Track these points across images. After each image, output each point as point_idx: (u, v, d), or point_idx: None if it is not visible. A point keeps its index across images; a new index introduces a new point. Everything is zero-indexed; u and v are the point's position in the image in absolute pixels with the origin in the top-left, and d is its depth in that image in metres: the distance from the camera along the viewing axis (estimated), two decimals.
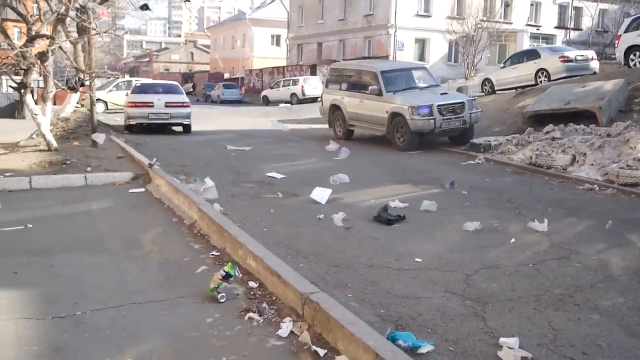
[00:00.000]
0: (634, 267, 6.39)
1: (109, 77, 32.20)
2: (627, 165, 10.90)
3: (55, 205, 9.36)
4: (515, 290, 5.67)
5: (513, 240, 7.35)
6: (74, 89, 16.22)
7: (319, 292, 5.02)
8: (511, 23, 42.85)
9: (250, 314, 5.05)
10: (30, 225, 7.96)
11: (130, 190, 10.38)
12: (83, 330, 4.75)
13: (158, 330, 4.78)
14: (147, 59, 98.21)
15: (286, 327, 4.78)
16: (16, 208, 8.94)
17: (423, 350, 4.37)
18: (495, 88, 24.09)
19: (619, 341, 4.59)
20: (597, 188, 10.64)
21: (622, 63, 19.66)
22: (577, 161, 12.09)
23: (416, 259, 6.56)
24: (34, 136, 14.56)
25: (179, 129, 20.37)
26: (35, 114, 13.62)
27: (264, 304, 5.23)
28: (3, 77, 32.99)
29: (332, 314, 4.60)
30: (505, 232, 7.80)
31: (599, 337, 4.65)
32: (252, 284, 5.75)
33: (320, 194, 9.20)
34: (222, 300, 5.28)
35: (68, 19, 15.77)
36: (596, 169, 11.50)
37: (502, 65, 25.64)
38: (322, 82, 22.29)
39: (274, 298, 5.40)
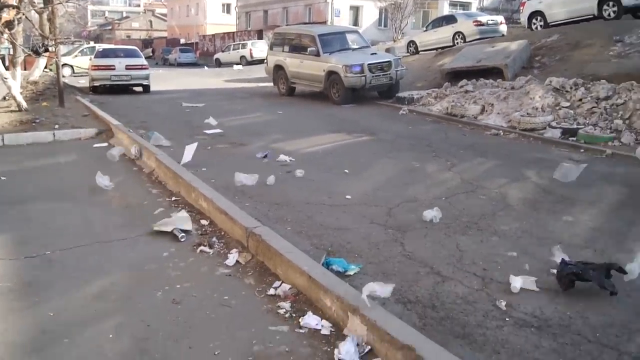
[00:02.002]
0: (529, 198, 6.61)
1: (74, 44, 30.96)
2: (527, 114, 11.15)
3: (27, 159, 9.07)
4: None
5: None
6: (38, 54, 15.58)
7: (261, 226, 5.06)
8: None
9: (202, 248, 5.07)
10: (4, 178, 7.73)
11: (95, 145, 10.12)
12: (52, 267, 4.70)
13: (120, 264, 4.76)
14: (110, 27, 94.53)
15: (233, 257, 4.83)
16: None
17: (351, 272, 4.48)
18: (419, 49, 24.06)
19: (512, 258, 4.78)
20: (502, 133, 10.86)
21: (526, 26, 19.85)
22: (486, 110, 12.29)
23: (347, 196, 6.64)
24: (6, 97, 13.98)
25: (139, 89, 19.79)
26: (6, 78, 13.05)
27: (214, 239, 5.25)
28: None
29: (272, 245, 4.65)
30: (423, 172, 7.93)
31: (497, 256, 4.83)
32: (203, 222, 5.75)
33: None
34: (182, 240, 5.26)
35: None
36: (502, 117, 11.72)
37: (424, 29, 25.62)
38: (268, 46, 21.91)
39: (222, 233, 5.42)
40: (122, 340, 3.55)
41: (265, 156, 8.73)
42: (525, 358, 3.34)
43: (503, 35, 21.97)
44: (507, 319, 3.77)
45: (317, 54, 15.78)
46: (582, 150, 9.28)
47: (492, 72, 14.85)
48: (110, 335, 3.60)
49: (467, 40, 21.82)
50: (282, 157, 8.54)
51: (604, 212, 6.14)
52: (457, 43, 22.07)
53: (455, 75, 15.64)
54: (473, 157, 8.83)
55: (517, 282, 4.19)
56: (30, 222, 5.88)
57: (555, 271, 4.32)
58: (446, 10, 39.50)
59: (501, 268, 4.57)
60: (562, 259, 4.32)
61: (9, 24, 13.57)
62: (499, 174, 7.76)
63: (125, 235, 5.44)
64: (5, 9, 14.42)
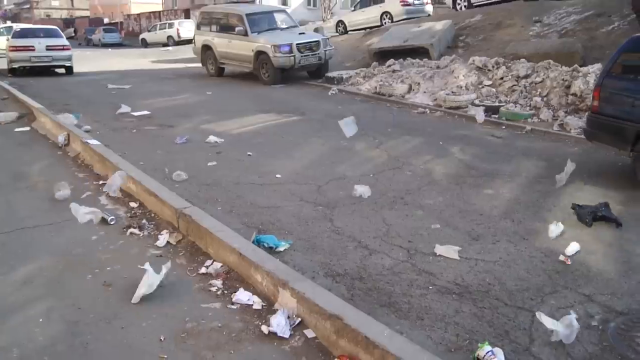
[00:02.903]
0: (452, 173, 6.88)
1: None
2: (452, 92, 11.52)
3: None
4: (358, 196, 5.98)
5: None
6: None
7: (191, 207, 5.09)
8: None
9: (132, 230, 5.05)
10: None
11: (16, 129, 9.75)
12: None
13: (47, 249, 4.69)
14: (28, 6, 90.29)
15: (163, 238, 4.85)
16: None
17: (281, 248, 4.59)
18: (348, 29, 24.28)
19: (436, 230, 5.02)
20: (429, 111, 11.18)
21: (451, 7, 20.36)
22: (413, 90, 12.60)
23: (277, 176, 6.73)
24: None
25: (62, 70, 19.15)
26: None
27: (144, 221, 5.24)
28: None
29: (202, 224, 4.70)
30: (352, 150, 8.10)
31: (421, 228, 5.05)
32: (132, 204, 5.72)
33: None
34: (112, 223, 5.22)
35: None
36: (428, 95, 12.05)
37: (352, 9, 25.83)
38: (195, 26, 21.58)
39: (152, 215, 5.41)
40: (53, 324, 3.53)
41: (185, 141, 8.54)
42: (447, 322, 3.54)
43: (429, 15, 22.41)
44: (430, 287, 3.98)
45: (245, 34, 15.69)
46: (503, 127, 9.68)
47: (418, 52, 15.19)
48: (41, 320, 3.58)
49: (395, 20, 22.16)
50: (212, 137, 8.51)
51: (522, 185, 6.47)
52: (385, 23, 22.39)
53: (383, 55, 15.89)
54: (400, 135, 9.07)
55: (440, 250, 4.43)
56: None
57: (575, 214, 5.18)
58: None
59: (425, 240, 4.79)
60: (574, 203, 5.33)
61: None
62: (425, 150, 8.03)
63: (51, 220, 5.34)
64: None
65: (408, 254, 4.52)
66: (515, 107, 10.44)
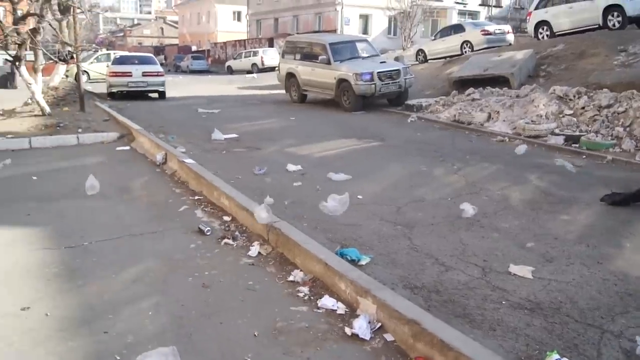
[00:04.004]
0: (529, 199, 7.03)
1: (96, 51, 31.70)
2: (532, 121, 11.58)
3: (54, 161, 9.59)
4: (436, 217, 6.27)
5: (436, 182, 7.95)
6: (64, 61, 16.15)
7: (280, 221, 5.52)
8: (442, 1, 43.08)
9: (226, 240, 5.54)
10: (35, 178, 8.24)
11: (118, 148, 10.64)
12: (91, 256, 5.18)
13: (151, 254, 5.23)
14: (122, 34, 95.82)
15: (255, 249, 5.29)
16: (21, 164, 9.16)
17: (363, 262, 4.93)
18: (427, 57, 24.53)
19: (510, 251, 5.22)
20: (507, 140, 11.27)
21: (533, 36, 20.28)
22: (492, 118, 12.72)
23: (358, 197, 7.08)
24: (29, 100, 14.52)
25: (155, 95, 20.41)
26: (30, 83, 13.62)
27: (237, 233, 5.72)
28: None
29: (291, 237, 5.12)
30: (430, 175, 8.37)
31: (496, 249, 5.28)
32: (226, 218, 6.22)
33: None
34: (208, 234, 5.73)
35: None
36: (507, 124, 12.14)
37: (433, 37, 26.10)
38: (279, 53, 22.44)
39: (244, 228, 5.89)
40: (161, 317, 4.01)
41: (264, 172, 8.48)
42: (518, 334, 3.77)
43: (510, 44, 22.40)
44: (503, 302, 4.21)
45: (328, 62, 16.28)
46: (583, 157, 9.68)
47: (498, 81, 15.28)
48: (150, 313, 4.07)
49: (475, 49, 22.26)
50: (291, 166, 8.78)
51: (599, 212, 6.54)
52: (465, 52, 22.51)
53: (463, 84, 16.06)
54: (478, 162, 9.26)
55: (514, 269, 4.65)
56: (65, 217, 6.36)
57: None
58: (455, 19, 40.04)
59: (500, 259, 5.01)
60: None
61: (34, 32, 14.13)
62: (502, 177, 8.19)
63: (154, 228, 5.92)
64: (29, 17, 15.06)
65: (483, 271, 4.76)
66: (597, 136, 10.40)
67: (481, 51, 21.02)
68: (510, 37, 23.28)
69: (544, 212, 6.47)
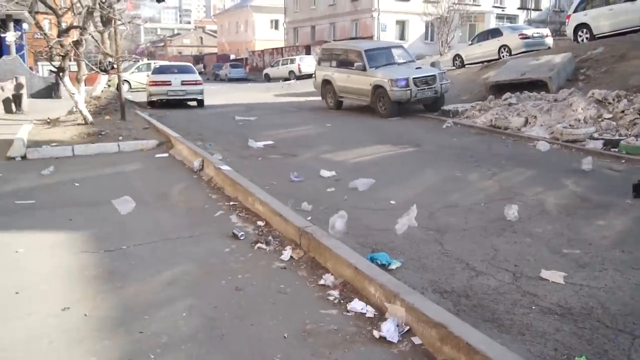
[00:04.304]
0: (564, 204, 6.96)
1: (137, 61, 32.53)
2: (570, 125, 11.43)
3: (96, 168, 9.88)
4: (468, 222, 6.26)
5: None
6: (106, 71, 16.61)
7: (312, 226, 5.61)
8: (479, 5, 42.89)
9: (259, 245, 5.64)
10: (77, 184, 8.52)
11: (157, 155, 10.90)
12: (129, 259, 5.35)
13: (187, 257, 5.37)
14: (162, 44, 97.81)
15: (287, 253, 5.39)
16: (64, 171, 9.48)
17: (393, 266, 4.97)
18: (465, 62, 24.41)
19: (543, 256, 5.19)
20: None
21: (572, 39, 19.98)
22: (529, 122, 12.58)
23: (391, 202, 7.13)
24: (74, 109, 14.96)
25: (194, 103, 20.81)
26: (73, 93, 14.06)
27: (270, 237, 5.82)
28: (39, 63, 33.28)
29: (322, 242, 5.19)
30: (464, 181, 8.35)
31: (528, 254, 5.25)
32: (260, 223, 6.34)
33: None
34: (242, 238, 5.85)
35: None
36: (544, 128, 12.00)
37: (470, 42, 25.95)
38: (316, 61, 22.62)
39: (277, 233, 5.99)
40: (194, 318, 4.13)
41: (300, 179, 8.56)
42: (547, 339, 3.76)
43: (549, 47, 22.06)
44: (533, 307, 4.20)
45: (364, 69, 16.36)
46: (623, 161, 9.51)
47: (536, 85, 15.10)
48: (184, 314, 4.19)
49: (513, 53, 22.04)
50: (325, 172, 8.86)
51: (637, 218, 6.44)
52: (503, 56, 22.32)
53: (500, 88, 15.93)
54: (514, 167, 9.18)
55: (546, 275, 4.63)
56: (105, 221, 6.57)
57: None
58: (493, 23, 39.63)
59: (532, 265, 4.99)
60: None
61: (77, 43, 14.59)
62: (538, 182, 8.11)
63: (190, 233, 6.08)
64: (72, 30, 15.54)
65: (514, 276, 4.75)
66: (637, 140, 10.20)
67: (519, 55, 20.80)
68: (549, 41, 22.95)
69: (579, 217, 6.40)
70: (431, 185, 8.12)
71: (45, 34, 14.80)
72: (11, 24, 24.29)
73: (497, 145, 11.35)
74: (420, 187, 8.05)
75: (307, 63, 36.14)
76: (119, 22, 15.32)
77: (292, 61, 38.57)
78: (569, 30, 20.02)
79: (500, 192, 7.60)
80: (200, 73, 24.70)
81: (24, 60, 26.57)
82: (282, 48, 50.16)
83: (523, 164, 9.44)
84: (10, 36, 16.42)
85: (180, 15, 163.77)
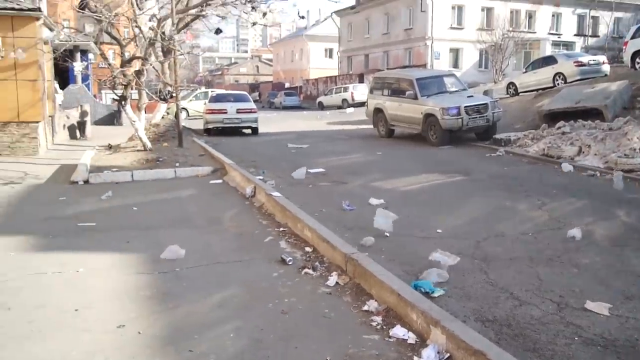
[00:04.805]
0: (614, 235, 6.86)
1: (194, 90, 33.66)
2: (625, 155, 11.22)
3: (153, 193, 10.27)
4: (515, 252, 6.26)
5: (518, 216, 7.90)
6: (165, 100, 17.26)
7: (358, 253, 5.73)
8: (535, 32, 42.49)
9: (306, 270, 5.79)
10: (135, 208, 8.90)
11: (211, 181, 11.24)
12: (181, 281, 5.58)
13: (237, 281, 5.56)
14: (220, 72, 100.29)
15: (333, 279, 5.51)
16: (123, 195, 9.90)
17: (437, 294, 5.03)
18: (519, 90, 24.18)
19: (589, 287, 5.15)
20: (599, 174, 10.95)
21: (629, 66, 19.60)
22: (583, 152, 12.40)
23: (437, 230, 7.18)
24: (134, 136, 15.55)
25: (248, 131, 21.32)
26: (134, 121, 14.68)
27: (317, 263, 5.96)
28: (103, 91, 34.73)
29: (367, 268, 5.30)
30: (513, 210, 8.32)
31: (574, 285, 5.22)
32: (307, 249, 6.49)
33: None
34: (290, 263, 6.03)
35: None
36: (598, 158, 11.81)
37: (524, 70, 25.70)
38: (368, 89, 22.87)
39: (324, 259, 6.12)
40: (241, 339, 4.29)
41: (352, 207, 8.57)
42: None
43: (606, 75, 21.70)
44: (576, 338, 4.18)
45: (415, 97, 16.48)
46: None
47: (591, 113, 14.90)
48: (231, 335, 4.36)
49: (568, 81, 21.75)
50: (374, 200, 8.92)
51: None
52: (558, 84, 22.03)
53: (554, 117, 15.76)
54: (565, 197, 9.08)
55: (591, 306, 4.60)
56: (160, 244, 6.83)
57: None
58: (548, 50, 39.15)
59: (577, 295, 4.96)
60: None
61: (139, 73, 15.26)
62: (589, 212, 8.02)
63: (240, 257, 6.28)
64: (134, 60, 16.27)
65: (558, 307, 4.74)
66: None
67: (574, 83, 20.52)
68: (606, 68, 22.53)
69: (629, 249, 6.30)
70: (479, 214, 8.11)
71: (109, 64, 15.54)
72: (78, 54, 25.54)
73: (549, 174, 11.22)
74: (468, 216, 8.06)
75: (360, 91, 36.47)
76: (178, 53, 15.94)
77: (346, 89, 39.02)
78: (627, 57, 19.69)
79: (549, 222, 7.54)
80: (255, 101, 25.36)
81: (88, 89, 27.84)
82: (335, 76, 50.77)
83: (575, 193, 9.32)
84: (78, 66, 17.29)
85: (237, 45, 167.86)
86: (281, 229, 7.44)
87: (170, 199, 9.74)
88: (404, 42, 43.97)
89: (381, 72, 25.86)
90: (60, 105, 20.46)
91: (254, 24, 18.48)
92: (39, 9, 15.51)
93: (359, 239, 6.67)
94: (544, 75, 23.05)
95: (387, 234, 6.98)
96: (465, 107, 15.47)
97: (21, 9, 14.75)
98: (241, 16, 18.09)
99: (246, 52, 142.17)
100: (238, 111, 20.66)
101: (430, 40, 40.56)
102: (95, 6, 14.76)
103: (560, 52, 35.54)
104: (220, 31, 18.94)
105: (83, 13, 15.31)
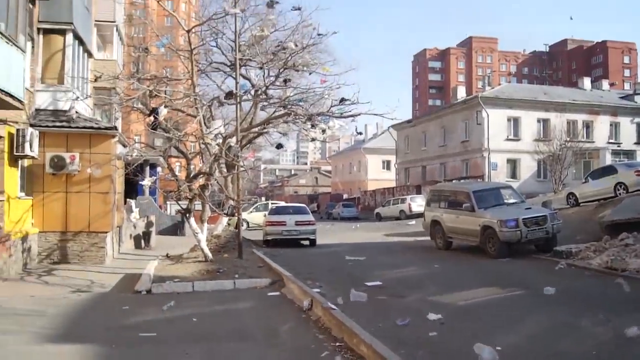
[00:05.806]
0: None
1: (255, 203, 34.73)
2: None
3: (212, 304, 10.48)
4: None
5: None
6: (227, 214, 17.86)
7: None
8: (593, 142, 42.26)
9: None
10: (195, 319, 9.09)
11: (269, 293, 11.39)
12: None
13: None
14: (280, 184, 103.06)
15: None
16: (184, 306, 10.13)
17: None
18: (579, 201, 23.81)
19: None
20: None
21: None
22: None
23: (497, 348, 7.00)
24: (197, 247, 16.01)
25: (307, 242, 21.62)
26: (197, 232, 15.21)
27: None
28: (168, 202, 36.13)
29: None
30: (575, 327, 8.05)
31: None
32: None
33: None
34: None
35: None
36: None
37: (584, 180, 25.41)
38: (425, 201, 23.04)
39: None
40: None
41: (407, 323, 8.43)
42: None
43: None
44: None
45: (472, 210, 16.52)
46: None
47: None
48: None
49: (630, 190, 21.29)
50: (432, 315, 8.88)
51: None
52: (620, 194, 21.58)
53: (616, 228, 15.42)
54: (631, 313, 8.73)
55: None
56: (218, 356, 6.96)
57: None
58: (608, 159, 38.60)
59: None
60: None
61: (203, 188, 15.98)
62: None
63: None
64: (200, 176, 17.08)
65: None
66: None
67: (636, 193, 20.10)
68: None
69: None
70: (540, 331, 7.89)
71: (176, 178, 16.36)
72: (147, 168, 26.94)
73: (614, 288, 10.84)
74: (528, 332, 7.85)
75: (417, 202, 36.62)
76: (241, 168, 16.68)
77: (403, 201, 39.29)
78: None
79: (614, 339, 7.26)
80: (313, 212, 25.85)
81: (155, 201, 29.07)
82: (393, 188, 51.38)
83: None
84: (147, 182, 18.24)
85: (297, 157, 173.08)
86: (337, 343, 7.42)
87: (229, 311, 9.91)
88: (460, 153, 44.43)
89: (438, 184, 26.15)
90: (133, 218, 21.41)
91: (313, 139, 19.24)
92: (115, 128, 16.73)
93: (415, 355, 6.59)
94: (604, 185, 22.68)
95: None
96: (523, 219, 15.39)
97: (99, 128, 15.95)
98: (301, 131, 18.92)
99: (306, 164, 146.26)
100: (297, 223, 21.12)
101: (487, 152, 40.82)
102: (167, 125, 15.77)
103: (621, 161, 35.06)
104: (282, 146, 19.83)
105: (155, 132, 16.34)
